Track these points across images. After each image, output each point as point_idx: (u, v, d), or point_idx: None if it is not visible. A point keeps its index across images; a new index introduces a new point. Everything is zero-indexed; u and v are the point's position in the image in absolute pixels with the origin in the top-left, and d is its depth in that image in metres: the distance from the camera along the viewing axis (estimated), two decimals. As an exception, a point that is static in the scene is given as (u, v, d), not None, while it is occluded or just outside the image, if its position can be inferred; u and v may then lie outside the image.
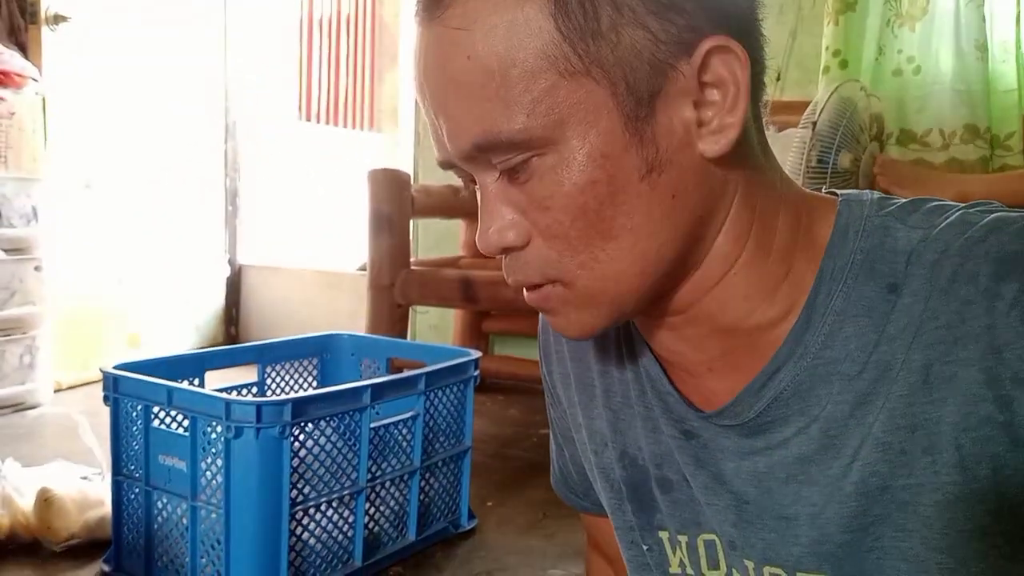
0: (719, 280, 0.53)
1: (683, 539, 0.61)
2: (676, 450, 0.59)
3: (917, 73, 2.01)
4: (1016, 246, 0.46)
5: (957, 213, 0.50)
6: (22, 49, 2.62)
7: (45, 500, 1.49)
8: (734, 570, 0.58)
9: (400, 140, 4.39)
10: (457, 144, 0.50)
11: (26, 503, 1.51)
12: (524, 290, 0.55)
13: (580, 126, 0.48)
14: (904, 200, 0.53)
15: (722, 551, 0.59)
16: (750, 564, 0.56)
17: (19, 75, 2.46)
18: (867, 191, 0.55)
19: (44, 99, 2.57)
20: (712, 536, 0.59)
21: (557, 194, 0.49)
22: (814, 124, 1.66)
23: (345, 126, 4.69)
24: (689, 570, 0.61)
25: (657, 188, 0.49)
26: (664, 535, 0.63)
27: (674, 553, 0.62)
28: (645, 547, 0.64)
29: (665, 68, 0.48)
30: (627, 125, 0.48)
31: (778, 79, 2.33)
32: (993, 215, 0.48)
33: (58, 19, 2.68)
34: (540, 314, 0.74)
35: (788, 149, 1.68)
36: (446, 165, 0.54)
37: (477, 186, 0.53)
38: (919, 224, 0.50)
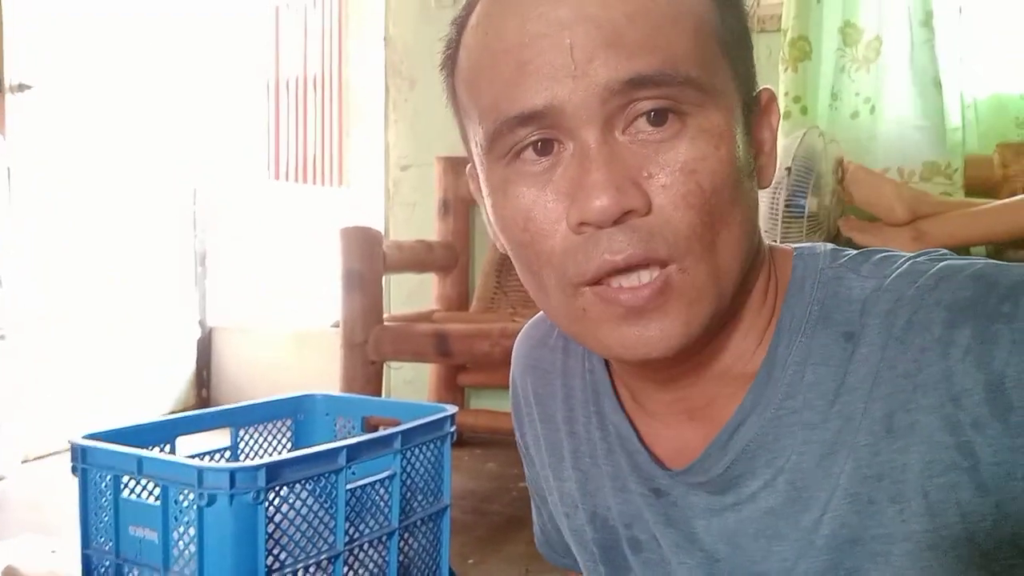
0: (727, 323, 0.53)
1: None
2: (645, 508, 0.59)
3: (873, 112, 2.07)
4: (966, 293, 0.46)
5: (907, 262, 0.51)
6: (-14, 118, 2.61)
7: (11, 578, 1.44)
8: None
9: (370, 196, 4.40)
10: (609, 74, 0.45)
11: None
12: (597, 287, 0.48)
13: (726, 100, 0.48)
14: (854, 252, 0.54)
15: None
16: None
17: (-17, 144, 2.44)
18: (820, 244, 0.56)
19: (8, 168, 2.56)
20: None
21: (711, 158, 0.46)
22: (789, 169, 1.69)
23: (314, 183, 4.71)
24: None
25: (752, 193, 0.50)
26: None
27: None
28: None
29: (752, 94, 0.51)
30: (744, 121, 0.49)
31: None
32: (943, 263, 0.49)
33: (22, 88, 2.68)
34: (511, 374, 0.73)
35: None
36: (531, 116, 0.47)
37: (552, 147, 0.48)
38: (871, 274, 0.51)
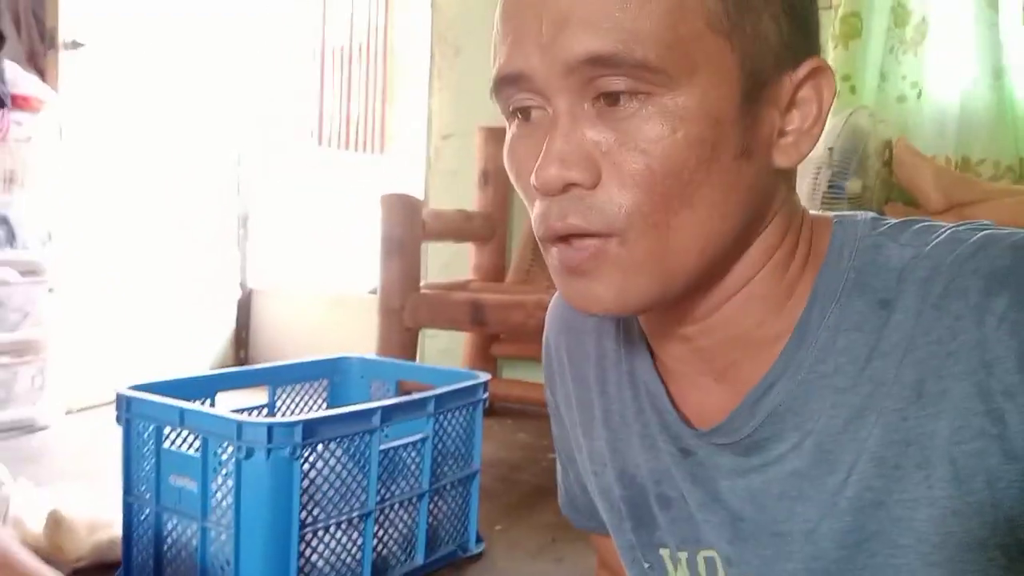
0: (740, 288, 0.53)
1: (683, 556, 0.61)
2: (673, 467, 0.60)
3: (920, 98, 2.03)
4: (1005, 262, 0.46)
5: (948, 232, 0.51)
6: (40, 74, 2.66)
7: (55, 522, 1.49)
8: None
9: (412, 163, 4.42)
10: (569, 49, 0.47)
11: (36, 525, 1.52)
12: (557, 245, 0.51)
13: (707, 81, 0.47)
14: (895, 220, 0.54)
15: (721, 567, 0.59)
16: None
17: (37, 99, 2.50)
18: (860, 212, 0.56)
19: (60, 123, 2.61)
20: (711, 552, 0.59)
21: (664, 140, 0.47)
22: (831, 150, 1.67)
23: (357, 149, 4.73)
24: None
25: (741, 174, 0.50)
26: (665, 552, 0.63)
27: (675, 570, 0.62)
28: (646, 565, 0.64)
29: (780, 68, 0.50)
30: (742, 101, 0.49)
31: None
32: (983, 232, 0.49)
33: (75, 45, 2.73)
34: (545, 336, 0.74)
35: (802, 173, 1.70)
36: (509, 80, 0.50)
37: (531, 114, 0.51)
38: (910, 242, 0.51)
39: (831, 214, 0.57)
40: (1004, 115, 1.95)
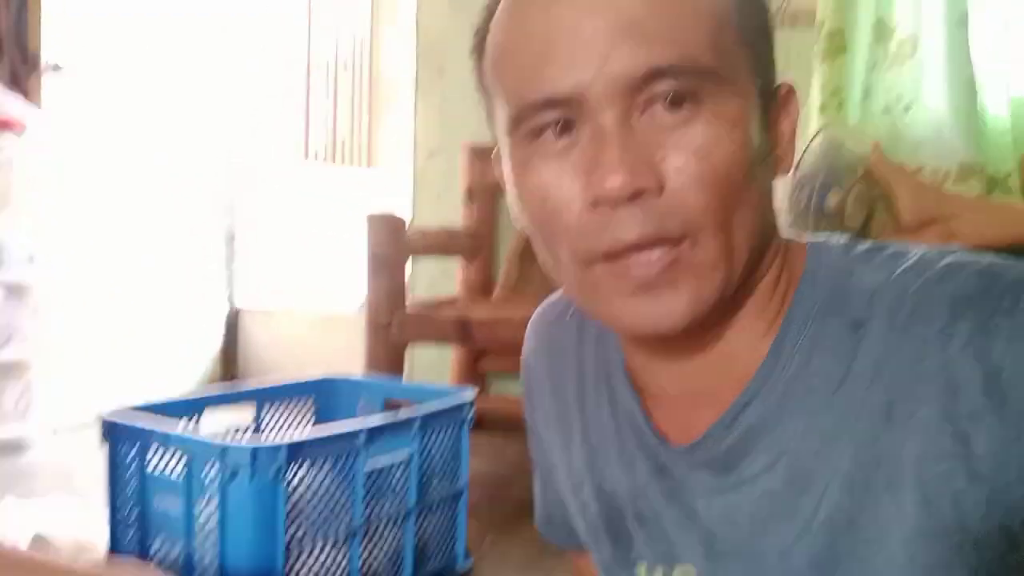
0: (735, 307, 0.54)
1: (660, 571, 0.62)
2: (649, 485, 0.60)
3: (907, 111, 2.04)
4: (971, 287, 0.48)
5: (916, 256, 0.52)
6: (23, 96, 2.66)
7: (41, 545, 1.49)
8: None
9: (399, 178, 4.43)
10: (628, 65, 0.47)
11: (22, 547, 1.51)
12: (616, 262, 0.49)
13: (741, 89, 0.50)
14: (868, 244, 0.55)
15: None
16: None
17: (20, 121, 2.50)
18: (835, 236, 0.58)
19: (44, 144, 2.61)
20: (689, 567, 0.60)
21: (723, 141, 0.48)
22: (796, 165, 1.68)
23: (344, 163, 4.74)
24: None
25: (764, 179, 0.52)
26: (641, 568, 0.63)
27: None
28: None
29: (772, 86, 0.54)
30: (761, 111, 0.52)
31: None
32: (951, 257, 0.50)
33: (56, 68, 2.73)
34: (523, 355, 0.75)
35: (781, 188, 1.71)
36: (554, 102, 0.49)
37: (571, 129, 0.50)
38: (883, 265, 0.52)
39: (805, 238, 0.58)
40: (988, 126, 1.97)
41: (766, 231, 0.54)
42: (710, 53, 0.48)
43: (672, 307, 0.50)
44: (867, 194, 1.86)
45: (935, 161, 1.98)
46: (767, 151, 0.53)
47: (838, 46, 2.08)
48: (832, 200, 1.74)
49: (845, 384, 0.50)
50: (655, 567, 0.62)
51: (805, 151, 1.73)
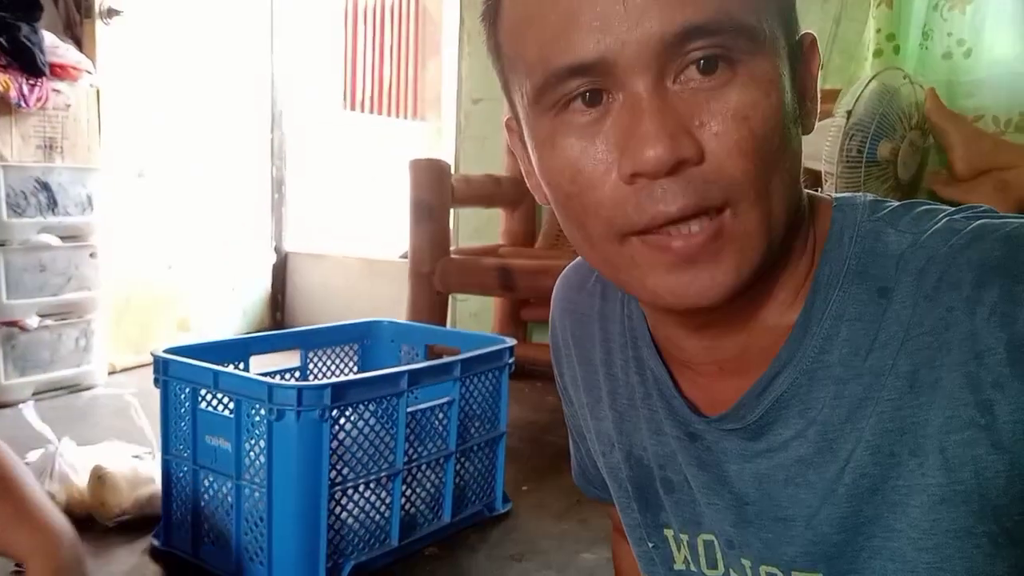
0: (767, 273, 0.52)
1: (684, 538, 0.63)
2: (679, 451, 0.60)
3: (968, 56, 1.97)
4: (997, 253, 0.46)
5: (944, 219, 0.51)
6: (77, 42, 2.70)
7: (99, 478, 1.56)
8: (731, 570, 0.60)
9: (443, 128, 4.42)
10: (665, 24, 0.45)
11: (81, 480, 1.58)
12: (656, 234, 0.47)
13: (773, 48, 0.48)
14: (895, 204, 0.54)
15: (720, 551, 0.60)
16: (747, 563, 0.58)
17: (75, 68, 2.54)
18: (860, 195, 0.56)
19: (98, 91, 2.66)
20: (710, 536, 0.60)
21: (761, 104, 0.46)
22: (849, 113, 1.64)
23: (389, 115, 4.74)
24: (692, 567, 0.63)
25: (797, 140, 0.51)
26: (669, 533, 0.64)
27: (678, 551, 0.64)
28: (651, 544, 0.66)
29: (796, 40, 0.52)
30: (791, 67, 0.50)
31: (821, 67, 2.31)
32: (978, 222, 0.49)
33: (111, 13, 2.76)
34: (551, 316, 0.75)
35: (823, 138, 1.67)
36: (583, 68, 0.46)
37: (601, 99, 0.47)
38: (908, 228, 0.51)
39: (830, 196, 0.56)
40: None
41: (799, 195, 0.52)
42: (745, 9, 0.46)
43: (714, 280, 0.48)
44: (920, 144, 1.82)
45: (996, 109, 1.91)
46: (797, 111, 0.51)
47: None
48: (884, 150, 1.70)
49: (872, 352, 0.50)
50: (680, 534, 0.63)
51: (858, 99, 1.69)
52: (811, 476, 0.53)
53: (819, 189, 1.61)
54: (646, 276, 0.49)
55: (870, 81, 1.69)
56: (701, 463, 0.59)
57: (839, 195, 0.56)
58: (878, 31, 2.00)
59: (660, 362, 0.61)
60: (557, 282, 0.74)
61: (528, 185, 0.57)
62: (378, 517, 1.45)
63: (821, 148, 1.66)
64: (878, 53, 2.00)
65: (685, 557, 0.63)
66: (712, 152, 0.46)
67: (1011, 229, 0.47)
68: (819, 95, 0.53)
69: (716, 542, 0.60)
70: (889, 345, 0.49)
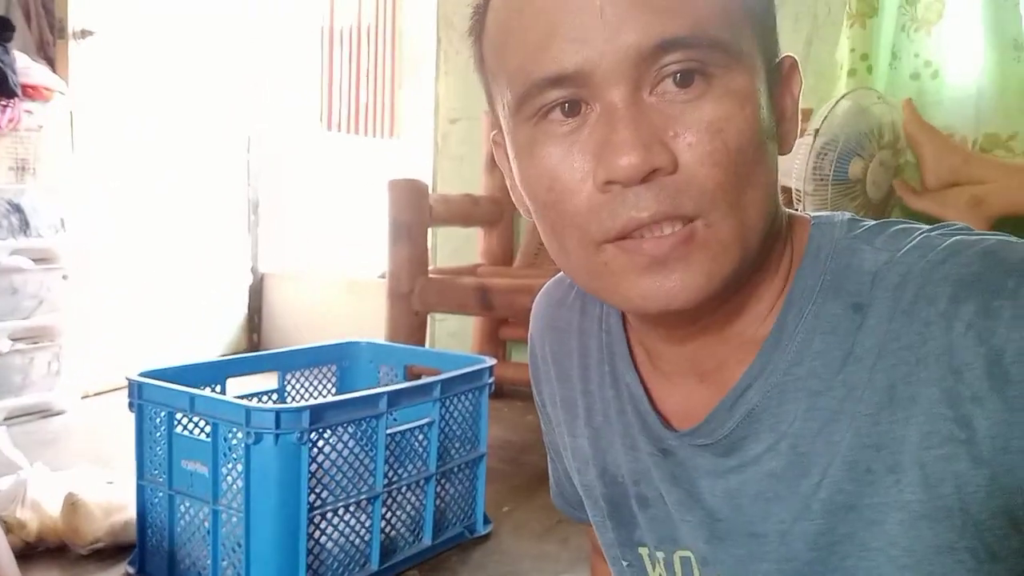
0: (743, 285, 0.53)
1: (660, 555, 0.62)
2: (653, 467, 0.60)
3: (935, 77, 2.01)
4: (973, 268, 0.47)
5: (920, 236, 0.51)
6: (50, 63, 2.68)
7: (72, 504, 1.53)
8: None
9: (420, 147, 4.42)
10: (641, 37, 0.46)
11: (53, 507, 1.55)
12: (630, 239, 0.48)
13: (749, 64, 0.49)
14: (872, 223, 0.55)
15: (697, 567, 0.60)
16: None
17: (47, 89, 2.52)
18: (838, 213, 0.57)
19: (71, 112, 2.63)
20: (687, 553, 0.60)
21: (736, 117, 0.47)
22: (817, 131, 1.66)
23: (366, 134, 4.74)
24: None
25: (773, 156, 0.52)
26: (644, 551, 0.64)
27: (653, 569, 0.63)
28: (625, 563, 0.65)
29: (776, 60, 0.53)
30: (767, 86, 0.51)
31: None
32: (954, 238, 0.49)
33: (84, 33, 2.75)
34: (529, 334, 0.75)
35: (794, 156, 1.69)
36: (560, 79, 0.48)
37: (579, 109, 0.49)
38: (885, 246, 0.52)
39: (808, 214, 0.57)
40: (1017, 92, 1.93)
41: (775, 209, 0.53)
42: (721, 25, 0.47)
43: (684, 284, 0.48)
44: (892, 163, 1.85)
45: (963, 129, 1.95)
46: (774, 128, 0.52)
47: (870, 7, 2.04)
48: (855, 168, 1.72)
49: (847, 366, 0.50)
50: (656, 552, 0.62)
51: (825, 118, 1.71)
52: (783, 491, 0.53)
53: (796, 208, 1.63)
54: (619, 281, 0.50)
55: (839, 100, 1.71)
56: (674, 479, 0.59)
57: (817, 214, 0.57)
58: (852, 51, 2.04)
59: (636, 377, 0.61)
60: (537, 297, 0.74)
61: (512, 198, 0.58)
62: (358, 541, 1.43)
63: (791, 166, 1.68)
64: (852, 73, 2.03)
65: (660, 575, 0.63)
66: (685, 163, 0.47)
67: (987, 245, 0.48)
68: (799, 116, 0.54)
69: (692, 559, 0.60)
70: (864, 359, 0.49)
